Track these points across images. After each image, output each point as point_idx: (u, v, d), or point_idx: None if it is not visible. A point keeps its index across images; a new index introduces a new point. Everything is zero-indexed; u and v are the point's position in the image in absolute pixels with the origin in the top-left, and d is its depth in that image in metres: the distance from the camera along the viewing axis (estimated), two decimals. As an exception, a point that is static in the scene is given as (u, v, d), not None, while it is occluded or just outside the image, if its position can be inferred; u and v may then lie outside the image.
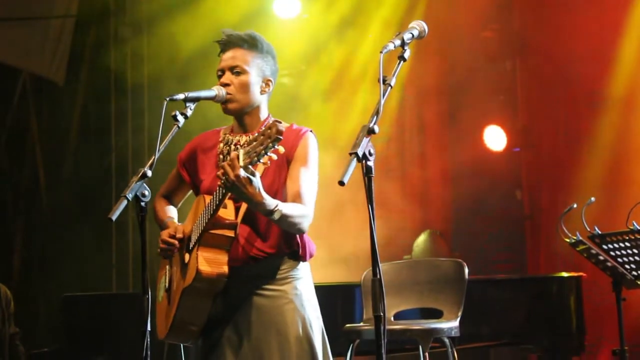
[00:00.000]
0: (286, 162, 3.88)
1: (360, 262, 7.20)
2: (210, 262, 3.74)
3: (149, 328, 3.60)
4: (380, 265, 3.21)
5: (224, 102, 3.94)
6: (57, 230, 9.73)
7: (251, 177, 3.52)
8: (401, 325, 5.46)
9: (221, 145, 4.01)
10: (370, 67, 9.12)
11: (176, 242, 3.88)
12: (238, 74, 3.95)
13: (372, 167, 3.24)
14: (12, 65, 9.94)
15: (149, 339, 3.60)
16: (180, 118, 3.81)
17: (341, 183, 3.15)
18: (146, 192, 3.64)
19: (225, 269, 3.75)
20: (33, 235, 10.01)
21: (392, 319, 5.70)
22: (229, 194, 3.65)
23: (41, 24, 9.89)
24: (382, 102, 3.30)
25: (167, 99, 3.79)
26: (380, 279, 3.20)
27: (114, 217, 3.55)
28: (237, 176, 3.51)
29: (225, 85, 3.94)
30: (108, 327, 6.72)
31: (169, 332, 3.88)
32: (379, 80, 3.34)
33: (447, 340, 5.33)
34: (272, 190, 3.76)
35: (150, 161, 3.69)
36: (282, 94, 8.97)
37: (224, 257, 3.76)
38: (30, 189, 10.07)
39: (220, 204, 3.69)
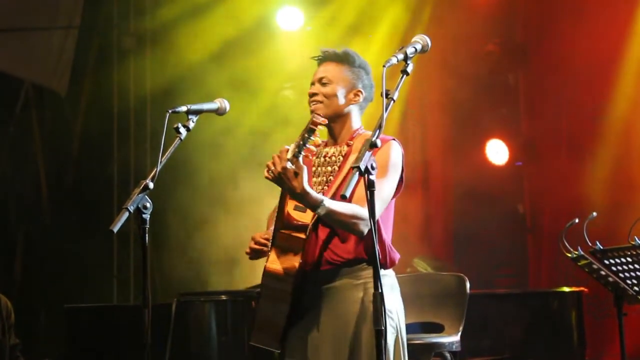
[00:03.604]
0: None
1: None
2: (278, 260, 3.79)
3: (149, 340, 3.60)
4: (382, 278, 3.21)
5: (312, 111, 4.01)
6: (58, 241, 9.72)
7: (297, 170, 3.59)
8: (402, 339, 5.45)
9: (314, 159, 4.02)
10: (373, 80, 9.12)
11: (266, 242, 3.92)
12: (325, 84, 4.05)
13: (374, 180, 3.24)
14: (15, 75, 9.94)
15: (149, 351, 3.59)
16: (183, 130, 3.83)
17: (343, 197, 3.16)
18: (148, 205, 3.63)
19: (294, 268, 3.78)
20: (34, 245, 9.99)
21: (393, 332, 5.68)
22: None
23: (44, 34, 9.90)
24: (385, 116, 3.30)
25: (170, 111, 3.80)
26: (381, 293, 3.20)
27: (115, 229, 3.54)
28: (284, 168, 3.58)
29: (312, 95, 4.06)
30: (109, 338, 6.72)
31: (253, 332, 3.94)
32: (381, 94, 3.35)
33: (448, 355, 5.34)
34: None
35: (152, 173, 3.68)
36: (284, 106, 9.01)
37: (293, 257, 3.80)
38: (32, 199, 10.06)
39: (283, 199, 3.80)
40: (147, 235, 3.65)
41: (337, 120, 4.03)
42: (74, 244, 9.52)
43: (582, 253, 5.05)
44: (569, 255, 5.12)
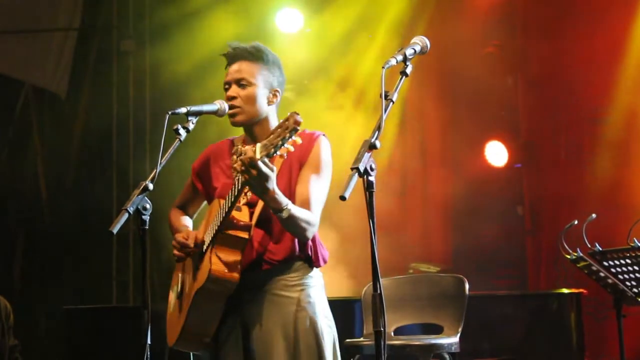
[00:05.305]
0: (299, 165, 3.88)
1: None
2: (223, 263, 3.72)
3: (149, 341, 3.59)
4: (380, 280, 3.21)
5: (231, 115, 3.93)
6: (57, 242, 9.72)
7: (267, 171, 3.50)
8: (401, 340, 5.46)
9: (234, 157, 3.95)
10: (372, 82, 9.12)
11: (190, 243, 3.86)
12: (244, 86, 3.93)
13: (374, 182, 3.24)
14: (15, 77, 9.95)
15: (149, 352, 3.59)
16: (182, 132, 3.82)
17: (342, 198, 3.15)
18: (147, 206, 3.63)
19: (238, 270, 3.74)
20: (34, 247, 10.00)
21: (392, 334, 5.69)
22: (244, 190, 3.66)
23: (44, 36, 9.91)
24: (384, 117, 3.29)
25: (169, 112, 3.80)
26: (380, 294, 3.19)
27: (114, 231, 3.54)
28: (255, 168, 3.48)
29: (231, 98, 3.93)
30: (108, 339, 6.72)
31: (179, 337, 3.86)
32: (380, 96, 3.34)
33: (447, 356, 5.33)
34: (287, 193, 3.74)
35: (152, 174, 3.68)
36: (284, 108, 9.00)
37: (237, 258, 3.74)
38: (32, 200, 10.07)
39: (235, 200, 3.68)
40: (146, 236, 3.66)
41: (257, 122, 3.97)
42: (73, 246, 9.53)
43: (581, 255, 5.06)
44: (568, 256, 5.13)
